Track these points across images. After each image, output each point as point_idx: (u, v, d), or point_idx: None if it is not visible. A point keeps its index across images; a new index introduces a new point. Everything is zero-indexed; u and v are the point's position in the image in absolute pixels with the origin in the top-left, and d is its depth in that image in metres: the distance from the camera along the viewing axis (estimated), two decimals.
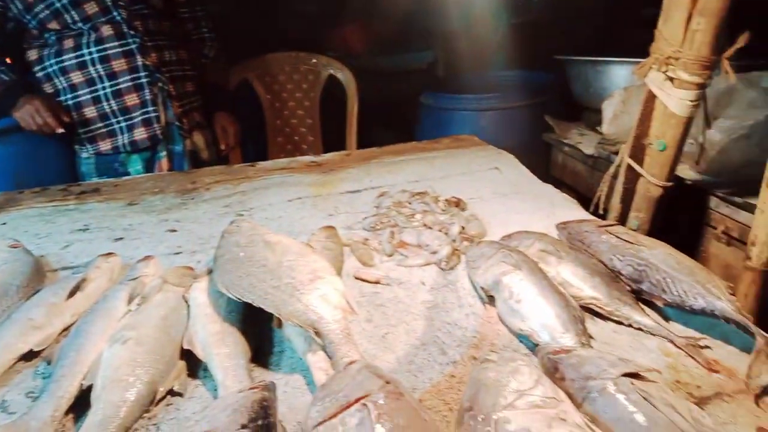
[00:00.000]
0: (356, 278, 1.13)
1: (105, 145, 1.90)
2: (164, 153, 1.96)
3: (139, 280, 1.00)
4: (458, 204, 1.46)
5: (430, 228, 1.33)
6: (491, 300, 1.00)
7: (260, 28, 3.65)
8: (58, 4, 1.78)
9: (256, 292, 0.89)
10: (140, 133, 1.91)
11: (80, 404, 0.75)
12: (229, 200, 1.59)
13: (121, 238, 1.32)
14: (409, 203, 1.49)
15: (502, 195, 1.56)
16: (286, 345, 0.91)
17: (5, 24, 1.82)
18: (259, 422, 0.62)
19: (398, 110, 3.69)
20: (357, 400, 0.62)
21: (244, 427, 0.60)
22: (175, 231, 1.37)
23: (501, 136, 2.51)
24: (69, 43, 1.82)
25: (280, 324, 0.91)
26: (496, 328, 0.94)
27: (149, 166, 1.97)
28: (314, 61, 3.21)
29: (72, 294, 0.97)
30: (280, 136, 3.24)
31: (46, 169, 1.91)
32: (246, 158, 2.39)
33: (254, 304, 0.87)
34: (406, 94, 3.61)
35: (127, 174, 1.93)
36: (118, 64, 1.85)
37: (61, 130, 1.79)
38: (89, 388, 0.75)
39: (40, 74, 1.87)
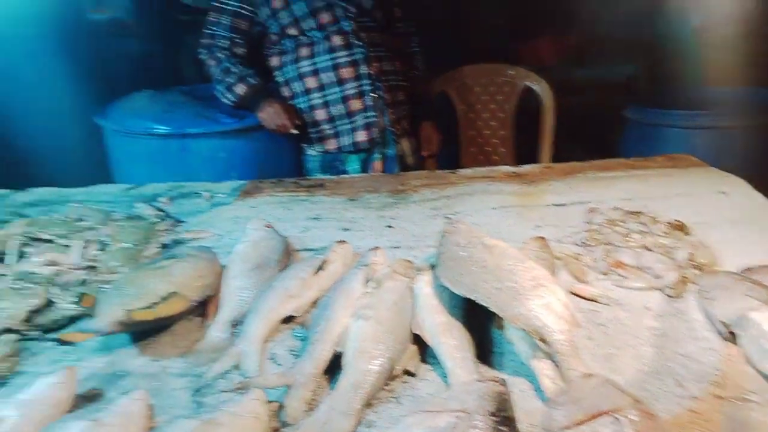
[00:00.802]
0: (571, 293, 1.11)
1: (330, 145, 2.14)
2: (379, 155, 2.14)
3: (370, 267, 1.10)
4: (682, 228, 1.35)
5: (650, 250, 1.26)
6: (732, 336, 0.91)
7: (451, 42, 3.76)
8: (298, 12, 2.04)
9: (479, 291, 0.93)
10: (361, 136, 2.11)
11: (332, 367, 0.86)
12: (437, 203, 1.66)
13: (348, 229, 1.46)
14: (623, 222, 1.42)
15: (731, 222, 1.41)
16: (506, 347, 0.93)
17: (252, 28, 2.12)
18: (503, 414, 0.65)
19: (593, 124, 3.52)
20: (606, 412, 0.61)
21: (492, 414, 0.63)
22: (391, 227, 1.48)
23: (719, 157, 2.24)
24: (305, 51, 2.08)
25: (501, 325, 0.94)
26: (741, 368, 0.85)
27: (364, 166, 2.16)
28: (511, 72, 3.20)
29: (316, 272, 1.11)
30: (472, 146, 3.29)
31: (279, 164, 2.20)
32: (441, 165, 2.49)
33: (478, 302, 0.91)
34: (602, 107, 3.43)
35: (345, 172, 2.14)
36: (346, 72, 2.06)
37: (294, 131, 2.05)
38: (340, 355, 0.85)
39: (279, 79, 2.16)
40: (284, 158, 2.23)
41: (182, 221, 1.52)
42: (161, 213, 1.54)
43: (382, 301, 0.97)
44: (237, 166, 2.18)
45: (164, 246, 1.36)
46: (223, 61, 2.11)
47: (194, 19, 4.26)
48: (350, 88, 2.07)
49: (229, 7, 2.07)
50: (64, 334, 0.91)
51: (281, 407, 0.78)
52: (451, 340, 0.89)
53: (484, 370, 0.88)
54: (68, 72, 2.84)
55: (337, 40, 2.05)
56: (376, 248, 1.19)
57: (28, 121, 2.84)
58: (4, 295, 1.09)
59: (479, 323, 0.97)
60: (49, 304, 1.07)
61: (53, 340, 0.91)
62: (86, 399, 0.83)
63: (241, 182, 1.87)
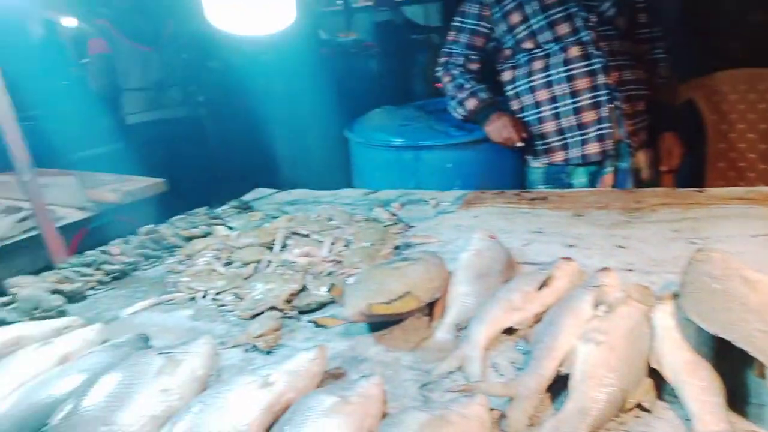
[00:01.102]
0: None
1: (557, 157, 2.09)
2: (610, 169, 2.02)
3: (601, 289, 1.04)
4: None
5: None
6: None
7: (702, 45, 3.32)
8: (535, 26, 2.03)
9: (737, 331, 0.81)
10: (592, 148, 2.01)
11: (554, 386, 0.84)
12: (678, 225, 1.50)
13: (572, 246, 1.41)
14: None
15: None
16: (767, 399, 0.80)
17: (487, 44, 2.18)
18: None
19: None
20: None
21: None
22: (623, 247, 1.38)
23: None
24: (539, 64, 2.06)
25: (763, 373, 0.81)
26: None
27: (592, 180, 2.06)
28: None
29: (540, 287, 1.09)
30: (721, 160, 2.88)
31: (502, 175, 2.23)
32: (679, 182, 2.23)
33: (734, 344, 0.80)
34: None
35: (570, 186, 2.06)
36: (582, 83, 1.98)
37: (519, 144, 2.06)
38: (565, 376, 0.83)
39: (510, 93, 2.18)
40: (507, 170, 2.25)
41: (412, 226, 1.64)
42: (394, 217, 1.68)
43: (616, 327, 0.91)
44: (462, 177, 2.27)
45: (396, 248, 1.48)
46: (457, 77, 2.20)
47: (426, 38, 4.57)
48: (585, 99, 1.99)
49: (467, 26, 2.17)
50: (320, 318, 1.06)
51: (502, 416, 0.79)
52: (699, 381, 0.80)
53: (737, 420, 0.77)
54: (325, 91, 3.29)
55: (574, 51, 1.99)
56: (607, 269, 1.12)
57: (291, 134, 3.36)
58: (271, 278, 1.31)
59: (731, 366, 0.85)
60: (304, 289, 1.26)
61: (310, 322, 1.06)
62: (332, 376, 0.96)
63: (464, 192, 1.93)
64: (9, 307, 1.31)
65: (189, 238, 1.65)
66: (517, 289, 1.09)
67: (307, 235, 1.51)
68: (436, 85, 2.44)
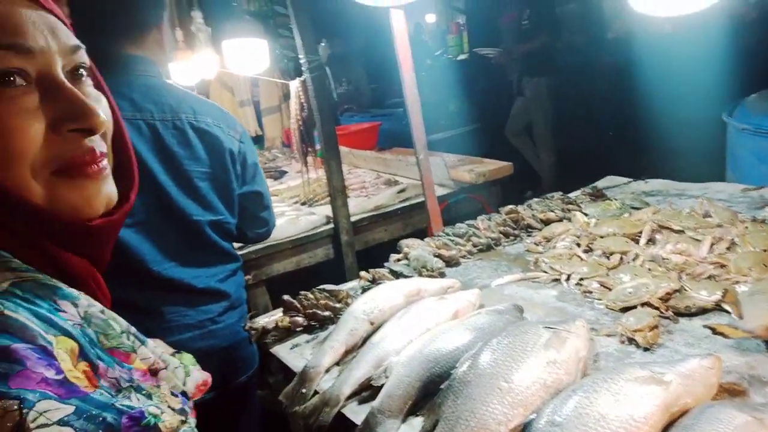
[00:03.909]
0: None
1: None
2: None
3: None
4: None
5: None
6: None
7: None
8: None
9: None
10: None
11: None
12: None
13: None
14: None
15: None
16: None
17: None
18: None
19: None
20: None
21: None
22: None
23: None
24: None
25: None
26: None
27: None
28: None
29: None
30: None
31: None
32: None
33: None
34: None
35: None
36: None
37: None
38: None
39: None
40: None
41: None
42: None
43: None
44: None
45: None
46: None
47: None
48: None
49: None
50: (717, 324, 0.96)
51: None
52: None
53: None
54: (701, 66, 2.87)
55: None
56: None
57: (654, 116, 3.07)
58: (640, 272, 1.25)
59: None
60: (681, 290, 1.17)
61: (706, 327, 0.97)
62: (725, 391, 0.87)
63: None
64: (401, 262, 1.60)
65: (545, 221, 1.70)
66: None
67: (681, 231, 1.39)
68: None
